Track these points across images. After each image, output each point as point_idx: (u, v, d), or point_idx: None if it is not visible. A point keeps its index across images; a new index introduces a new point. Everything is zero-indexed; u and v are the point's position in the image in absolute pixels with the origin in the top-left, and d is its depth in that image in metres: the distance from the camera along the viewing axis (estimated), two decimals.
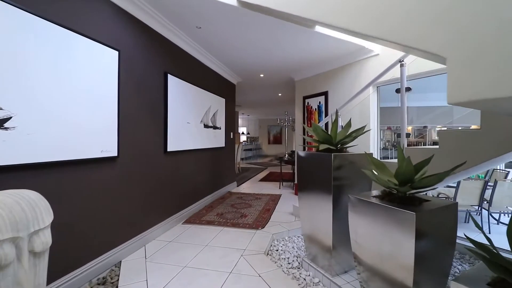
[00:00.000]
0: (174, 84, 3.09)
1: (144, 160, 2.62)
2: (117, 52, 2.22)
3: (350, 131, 2.10)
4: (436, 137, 8.53)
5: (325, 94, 4.32)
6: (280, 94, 7.34)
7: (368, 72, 3.65)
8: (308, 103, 4.73)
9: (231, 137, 5.29)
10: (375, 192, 1.71)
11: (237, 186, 5.59)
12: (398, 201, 1.51)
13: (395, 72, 2.47)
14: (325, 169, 1.94)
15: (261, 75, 5.14)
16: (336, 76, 4.15)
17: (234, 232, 2.88)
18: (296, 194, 4.74)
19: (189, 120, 3.45)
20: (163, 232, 2.87)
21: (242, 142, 9.87)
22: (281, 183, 5.44)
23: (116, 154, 2.20)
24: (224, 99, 4.75)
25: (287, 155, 5.47)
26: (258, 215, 3.48)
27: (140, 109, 2.56)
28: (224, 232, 2.90)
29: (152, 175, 2.74)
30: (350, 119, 2.23)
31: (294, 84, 5.48)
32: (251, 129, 15.65)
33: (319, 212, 2.04)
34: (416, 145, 7.80)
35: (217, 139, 4.41)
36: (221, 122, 4.61)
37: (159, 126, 2.87)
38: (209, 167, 4.18)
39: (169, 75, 2.98)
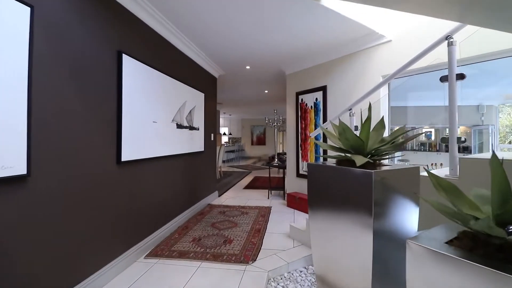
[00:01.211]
0: (133, 69, 2.28)
1: (83, 177, 1.79)
2: (28, 9, 1.39)
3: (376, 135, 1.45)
4: (423, 138, 8.25)
5: (323, 89, 3.69)
6: (266, 91, 6.66)
7: (378, 63, 3.05)
8: (302, 100, 4.08)
9: (212, 139, 4.52)
10: (444, 233, 1.05)
11: (219, 196, 4.82)
12: (502, 254, 0.84)
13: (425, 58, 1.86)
14: (358, 189, 1.27)
15: (247, 67, 4.42)
16: (336, 68, 3.53)
17: (216, 270, 2.12)
18: (289, 206, 4.07)
19: (156, 119, 2.65)
20: (116, 274, 2.05)
21: (224, 144, 9.09)
22: (269, 192, 4.75)
23: (24, 172, 1.37)
24: (203, 94, 3.97)
25: (276, 159, 4.79)
26: (247, 239, 2.75)
27: (77, 101, 1.74)
28: (203, 270, 2.13)
29: (98, 197, 1.92)
30: (383, 117, 1.58)
31: (284, 79, 4.81)
32: (233, 130, 14.86)
33: (344, 246, 1.36)
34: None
35: (194, 142, 3.63)
36: (199, 121, 3.82)
37: (109, 127, 2.05)
38: (184, 177, 3.38)
39: (124, 56, 2.16)
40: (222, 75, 4.83)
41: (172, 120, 2.98)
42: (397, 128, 1.61)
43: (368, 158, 1.38)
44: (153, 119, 2.57)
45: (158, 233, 2.70)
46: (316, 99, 3.81)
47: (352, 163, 1.33)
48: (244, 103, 8.94)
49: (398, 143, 1.35)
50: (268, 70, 4.58)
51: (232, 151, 12.63)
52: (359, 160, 1.19)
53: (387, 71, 2.97)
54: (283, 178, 4.87)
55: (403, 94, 5.05)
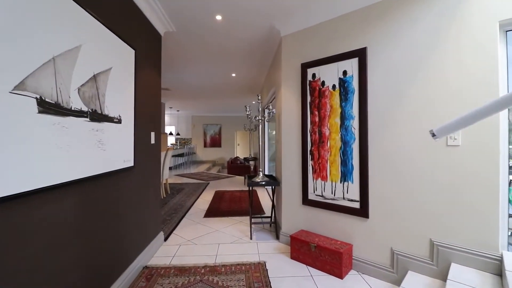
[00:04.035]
0: None
1: None
2: None
3: None
4: None
5: (360, 54, 2.10)
6: (234, 75, 4.85)
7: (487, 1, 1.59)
8: (314, 76, 2.43)
9: (153, 142, 2.52)
10: None
11: (165, 239, 2.82)
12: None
13: None
14: None
15: (218, 18, 2.56)
16: (391, 16, 1.98)
17: None
18: (295, 259, 2.35)
19: None
20: None
21: (171, 146, 6.91)
22: (251, 227, 2.95)
23: None
24: (133, 52, 1.98)
25: (261, 174, 3.02)
26: None
27: None
28: None
29: None
30: None
31: (274, 47, 3.14)
32: (181, 129, 12.50)
33: None
34: None
35: (107, 151, 1.62)
36: (122, 105, 1.82)
37: None
38: (81, 234, 1.36)
39: None
40: (171, 32, 2.86)
41: (16, 87, 0.97)
42: None
43: None
44: None
45: None
46: (345, 73, 2.21)
47: None
48: (198, 93, 6.92)
49: None
50: (251, 28, 2.81)
51: (181, 155, 10.35)
52: None
53: (510, 14, 1.54)
54: (272, 197, 3.13)
55: None
